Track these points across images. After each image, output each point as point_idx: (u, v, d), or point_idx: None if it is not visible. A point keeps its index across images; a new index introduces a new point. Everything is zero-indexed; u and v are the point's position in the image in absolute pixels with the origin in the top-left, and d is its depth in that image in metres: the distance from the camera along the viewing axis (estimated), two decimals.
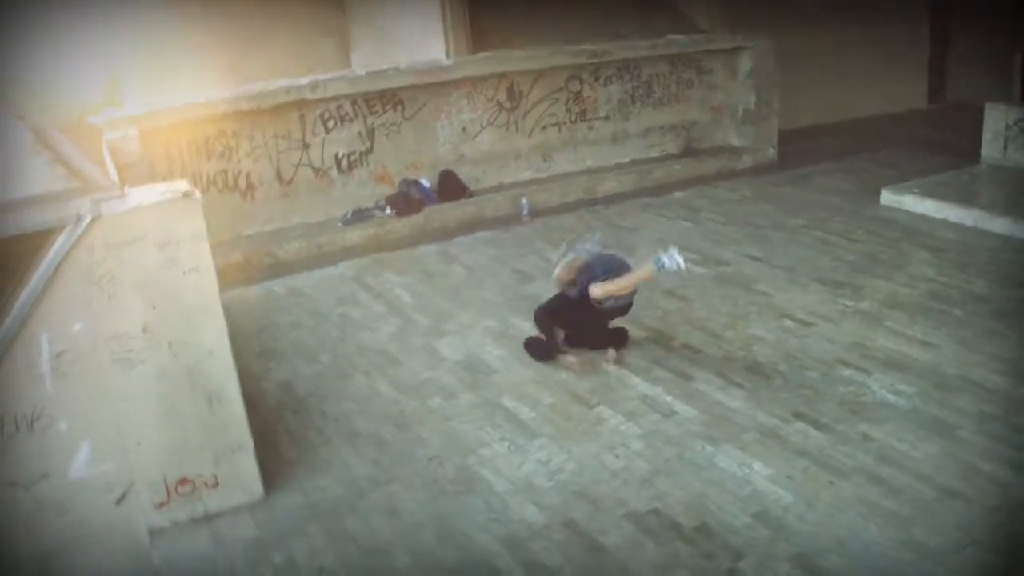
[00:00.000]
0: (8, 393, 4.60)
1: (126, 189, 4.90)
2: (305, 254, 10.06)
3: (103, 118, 8.97)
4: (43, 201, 4.57)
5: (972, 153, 11.49)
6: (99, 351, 4.77)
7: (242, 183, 10.39)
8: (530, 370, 6.90)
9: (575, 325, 7.03)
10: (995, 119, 11.31)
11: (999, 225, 9.41)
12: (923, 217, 10.01)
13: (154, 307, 4.86)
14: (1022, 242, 9.04)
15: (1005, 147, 11.20)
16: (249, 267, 9.66)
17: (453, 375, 6.92)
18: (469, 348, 7.37)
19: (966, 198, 10.13)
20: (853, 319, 7.49)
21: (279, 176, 10.60)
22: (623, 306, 6.91)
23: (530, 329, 7.27)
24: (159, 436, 5.07)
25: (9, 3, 9.36)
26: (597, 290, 6.60)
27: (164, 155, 9.65)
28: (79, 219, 4.59)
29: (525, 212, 10.99)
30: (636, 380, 6.64)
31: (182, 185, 5.06)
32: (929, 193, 10.32)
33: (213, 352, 5.09)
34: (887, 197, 10.59)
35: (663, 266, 6.41)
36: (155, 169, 8.99)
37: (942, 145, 13.03)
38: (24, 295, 4.53)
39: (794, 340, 7.15)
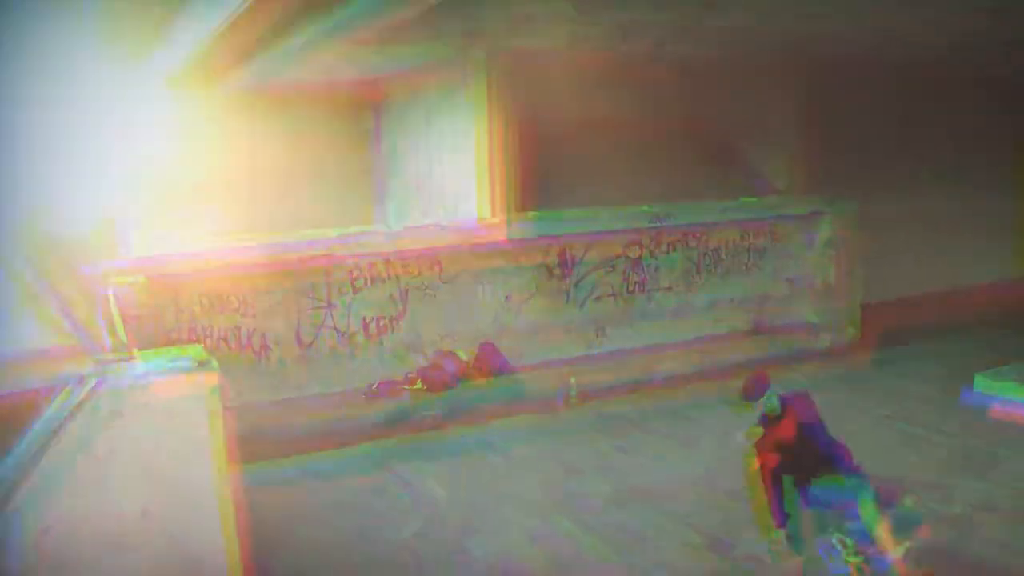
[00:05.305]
0: None
1: (134, 351, 5.06)
2: (322, 429, 9.99)
3: (110, 264, 9.19)
4: (45, 358, 4.74)
5: None
6: (92, 529, 4.85)
7: (256, 342, 10.49)
8: None
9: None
10: None
11: None
12: (1022, 406, 9.99)
13: (153, 486, 4.94)
14: None
15: None
16: (259, 440, 9.70)
17: None
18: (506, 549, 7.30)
19: None
20: (941, 525, 7.37)
21: (298, 337, 10.69)
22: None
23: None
24: None
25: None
26: None
27: (173, 304, 9.86)
28: (82, 382, 4.75)
29: (572, 395, 10.96)
30: None
31: (196, 351, 5.22)
32: None
33: (214, 540, 5.14)
34: (981, 383, 10.61)
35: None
36: (163, 320, 9.16)
37: None
38: (10, 461, 4.65)
39: None
